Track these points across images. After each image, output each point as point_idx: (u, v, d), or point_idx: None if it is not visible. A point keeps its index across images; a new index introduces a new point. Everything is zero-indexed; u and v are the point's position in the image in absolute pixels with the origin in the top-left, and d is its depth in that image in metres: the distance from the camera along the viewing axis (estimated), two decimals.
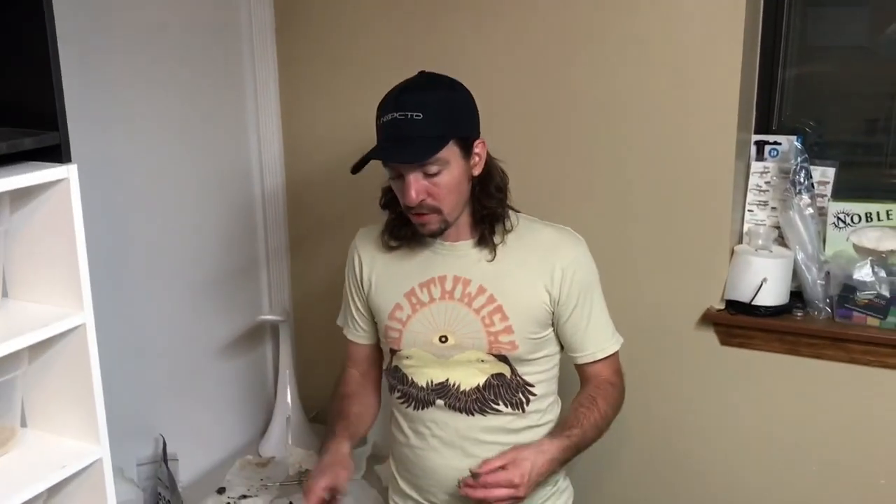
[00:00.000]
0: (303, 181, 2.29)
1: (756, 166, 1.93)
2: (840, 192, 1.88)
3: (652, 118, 1.86)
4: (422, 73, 1.55)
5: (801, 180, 1.83)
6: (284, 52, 2.22)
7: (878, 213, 1.83)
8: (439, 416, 1.59)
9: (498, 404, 1.57)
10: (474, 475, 1.44)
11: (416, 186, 1.45)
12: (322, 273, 2.28)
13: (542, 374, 1.61)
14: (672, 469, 2.02)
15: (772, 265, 1.84)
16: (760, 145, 1.93)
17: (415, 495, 1.67)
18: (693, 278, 1.90)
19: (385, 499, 1.80)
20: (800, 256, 1.85)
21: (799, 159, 1.83)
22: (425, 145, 1.44)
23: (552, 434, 1.54)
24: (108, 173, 1.80)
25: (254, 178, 2.27)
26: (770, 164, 1.92)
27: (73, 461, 1.24)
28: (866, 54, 1.91)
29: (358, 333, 1.71)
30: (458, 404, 1.57)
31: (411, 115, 1.42)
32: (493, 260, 1.56)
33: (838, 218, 1.86)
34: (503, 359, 1.56)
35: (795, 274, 1.87)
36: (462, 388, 1.57)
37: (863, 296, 1.78)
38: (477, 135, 1.53)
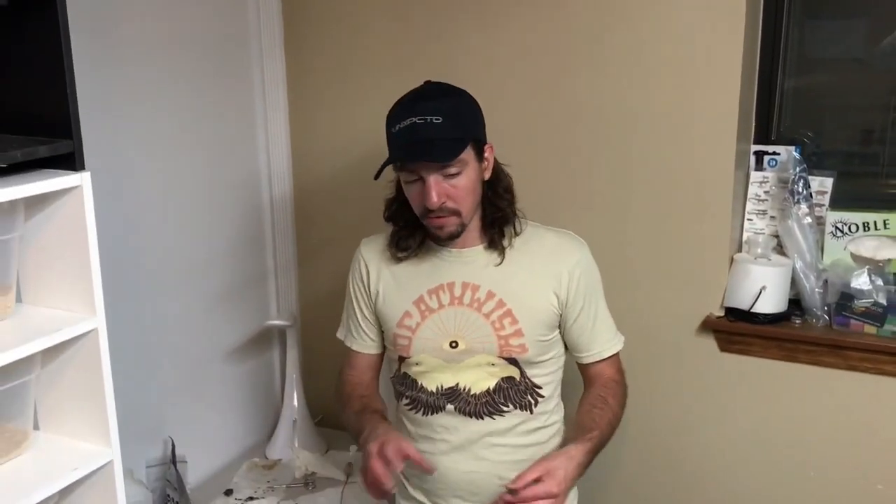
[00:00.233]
0: (310, 189, 2.29)
1: (755, 176, 1.92)
2: (838, 202, 1.88)
3: (653, 129, 1.86)
4: (429, 82, 1.56)
5: (800, 190, 1.83)
6: (292, 63, 2.22)
7: (875, 223, 1.83)
8: (449, 421, 1.58)
9: (507, 406, 1.57)
10: (511, 491, 1.40)
11: (437, 188, 1.46)
12: (329, 279, 2.28)
13: (549, 375, 1.60)
14: (672, 473, 2.01)
15: (770, 273, 1.83)
16: (759, 155, 1.93)
17: (423, 499, 1.65)
18: (693, 286, 1.90)
19: (390, 501, 1.79)
20: (798, 265, 1.84)
21: (797, 169, 1.83)
22: (448, 146, 1.45)
23: (573, 438, 1.51)
24: (120, 181, 1.80)
25: (262, 185, 2.27)
26: (769, 174, 1.91)
27: (85, 463, 1.24)
28: (863, 66, 1.91)
29: (365, 343, 1.69)
30: (468, 408, 1.56)
31: (431, 119, 1.44)
32: (500, 264, 1.56)
33: (836, 227, 1.85)
34: (513, 362, 1.56)
35: (794, 282, 1.86)
36: (472, 392, 1.56)
37: (860, 304, 1.77)
38: (486, 139, 1.54)
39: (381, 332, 1.67)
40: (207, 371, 2.15)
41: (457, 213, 1.49)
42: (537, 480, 1.40)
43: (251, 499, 1.99)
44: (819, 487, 1.88)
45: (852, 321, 1.79)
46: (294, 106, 2.24)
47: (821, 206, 1.87)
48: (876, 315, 1.76)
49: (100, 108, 1.71)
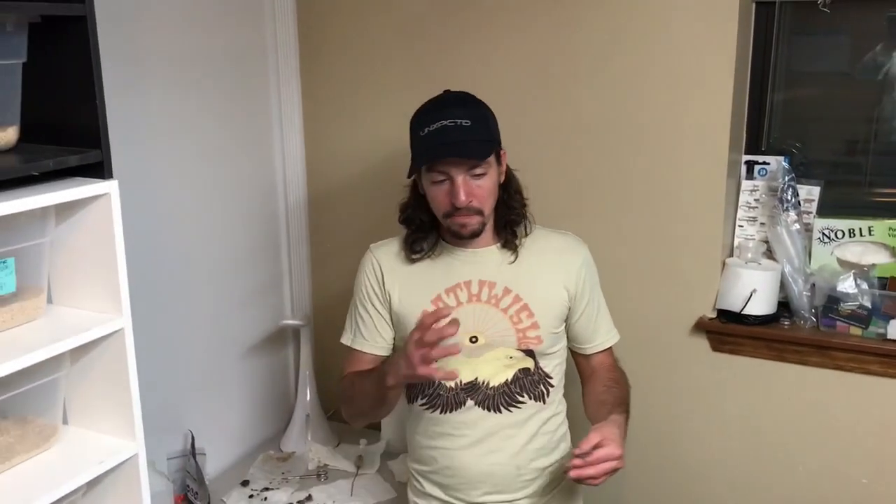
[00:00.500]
0: (324, 196, 2.30)
1: (746, 185, 1.93)
2: (825, 210, 1.88)
3: (650, 139, 1.87)
4: (448, 91, 1.58)
5: (789, 198, 1.83)
6: (307, 80, 2.23)
7: (860, 230, 1.83)
8: (469, 417, 1.57)
9: (523, 397, 1.58)
10: (580, 455, 1.38)
11: (465, 188, 1.48)
12: (340, 281, 2.27)
13: (557, 366, 1.63)
14: (664, 469, 2.02)
15: (760, 277, 1.84)
16: (750, 165, 1.93)
17: (440, 495, 1.63)
18: (687, 289, 1.91)
19: (402, 494, 1.79)
20: (787, 269, 1.85)
21: (786, 178, 1.84)
22: (479, 147, 1.48)
23: (606, 414, 1.49)
24: (146, 190, 1.81)
25: (278, 194, 2.28)
26: (759, 183, 1.92)
27: (111, 457, 1.24)
28: (848, 80, 1.91)
29: (376, 343, 1.64)
30: (487, 402, 1.57)
31: (460, 122, 1.47)
32: (514, 262, 1.58)
33: (823, 233, 1.85)
34: (530, 353, 1.58)
35: (783, 285, 1.87)
36: (491, 385, 1.57)
37: (846, 306, 1.78)
38: (502, 145, 1.57)
39: (393, 334, 1.65)
40: (225, 368, 2.16)
41: (480, 212, 1.52)
42: (597, 446, 1.38)
43: (266, 489, 2.00)
44: (806, 480, 1.88)
45: (838, 323, 1.79)
46: (308, 119, 2.25)
47: (808, 213, 1.88)
48: (861, 317, 1.77)
49: (127, 120, 1.72)
